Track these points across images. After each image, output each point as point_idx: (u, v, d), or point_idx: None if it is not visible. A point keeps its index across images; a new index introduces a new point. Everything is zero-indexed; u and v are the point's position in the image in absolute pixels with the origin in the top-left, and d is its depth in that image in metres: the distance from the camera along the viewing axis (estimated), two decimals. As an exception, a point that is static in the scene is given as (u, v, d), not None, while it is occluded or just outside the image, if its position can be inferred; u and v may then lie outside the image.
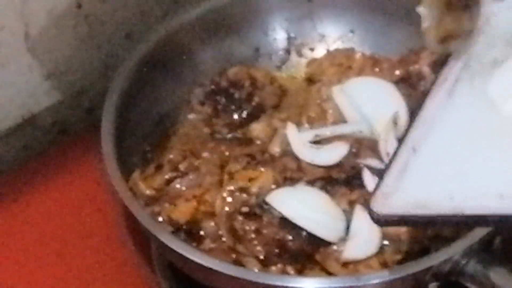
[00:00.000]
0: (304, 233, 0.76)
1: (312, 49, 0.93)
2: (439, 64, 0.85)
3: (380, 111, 0.83)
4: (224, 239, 0.76)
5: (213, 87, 0.88)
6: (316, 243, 0.76)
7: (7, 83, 0.88)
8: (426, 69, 0.86)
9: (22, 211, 0.89)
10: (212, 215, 0.78)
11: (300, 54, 0.93)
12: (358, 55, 0.89)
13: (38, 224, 0.88)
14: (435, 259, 0.69)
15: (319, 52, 0.93)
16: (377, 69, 0.87)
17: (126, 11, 0.93)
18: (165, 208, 0.78)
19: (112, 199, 0.85)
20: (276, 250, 0.75)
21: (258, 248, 0.75)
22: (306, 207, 0.77)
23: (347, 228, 0.76)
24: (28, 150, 0.94)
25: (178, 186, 0.80)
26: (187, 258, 0.71)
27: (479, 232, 0.70)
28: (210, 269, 0.70)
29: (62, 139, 0.96)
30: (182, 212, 0.77)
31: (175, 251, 0.72)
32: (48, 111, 0.94)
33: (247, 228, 0.76)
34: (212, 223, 0.77)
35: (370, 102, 0.84)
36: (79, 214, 0.88)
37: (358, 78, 0.87)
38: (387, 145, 0.80)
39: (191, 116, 0.88)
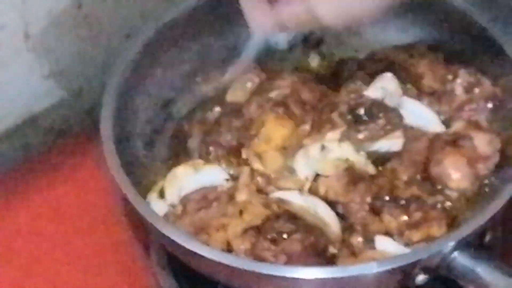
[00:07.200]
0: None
1: (318, 43, 0.94)
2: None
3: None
4: None
5: None
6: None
7: (7, 83, 0.89)
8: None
9: (22, 211, 0.89)
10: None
11: (306, 47, 0.94)
12: None
13: (38, 224, 0.88)
14: (424, 252, 0.70)
15: (325, 46, 0.93)
16: None
17: (126, 11, 0.93)
18: (202, 238, 0.77)
19: (113, 199, 0.85)
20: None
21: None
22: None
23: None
24: (28, 150, 0.94)
25: (203, 215, 0.78)
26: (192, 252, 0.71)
27: (469, 227, 0.70)
28: (207, 258, 0.71)
29: (62, 139, 0.96)
30: (218, 241, 0.76)
31: (177, 244, 0.72)
32: (48, 111, 0.94)
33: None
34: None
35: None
36: (79, 213, 0.88)
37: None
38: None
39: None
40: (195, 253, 0.71)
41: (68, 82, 0.94)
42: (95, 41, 0.93)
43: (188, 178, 0.81)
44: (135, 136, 0.84)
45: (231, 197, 0.79)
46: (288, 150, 0.82)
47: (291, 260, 0.74)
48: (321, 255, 0.75)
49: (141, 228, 0.83)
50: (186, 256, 0.75)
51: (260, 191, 0.80)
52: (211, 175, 0.81)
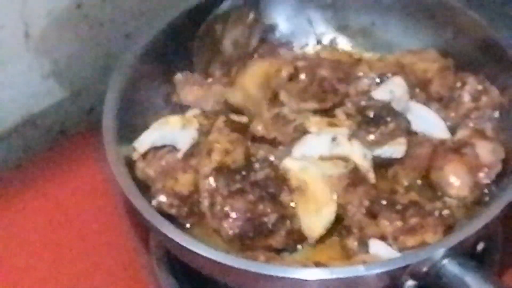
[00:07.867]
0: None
1: (332, 39, 0.94)
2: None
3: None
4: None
5: None
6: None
7: (7, 83, 0.89)
8: None
9: (22, 211, 0.89)
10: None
11: (320, 43, 0.94)
12: None
13: (38, 224, 0.88)
14: (413, 258, 0.69)
15: (339, 42, 0.94)
16: None
17: (126, 11, 0.93)
18: (167, 183, 0.78)
19: (113, 199, 0.85)
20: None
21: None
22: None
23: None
24: (28, 150, 0.94)
25: (171, 159, 0.80)
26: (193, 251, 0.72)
27: (460, 235, 0.70)
28: (207, 257, 0.71)
29: (62, 139, 0.96)
30: (183, 184, 0.78)
31: (176, 243, 0.72)
32: (48, 111, 0.94)
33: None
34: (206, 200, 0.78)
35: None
36: (79, 214, 0.88)
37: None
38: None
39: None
40: (195, 252, 0.71)
41: (68, 82, 0.94)
42: (95, 41, 0.93)
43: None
44: (139, 131, 0.84)
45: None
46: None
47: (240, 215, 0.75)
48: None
49: (142, 228, 0.83)
50: (186, 255, 0.75)
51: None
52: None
